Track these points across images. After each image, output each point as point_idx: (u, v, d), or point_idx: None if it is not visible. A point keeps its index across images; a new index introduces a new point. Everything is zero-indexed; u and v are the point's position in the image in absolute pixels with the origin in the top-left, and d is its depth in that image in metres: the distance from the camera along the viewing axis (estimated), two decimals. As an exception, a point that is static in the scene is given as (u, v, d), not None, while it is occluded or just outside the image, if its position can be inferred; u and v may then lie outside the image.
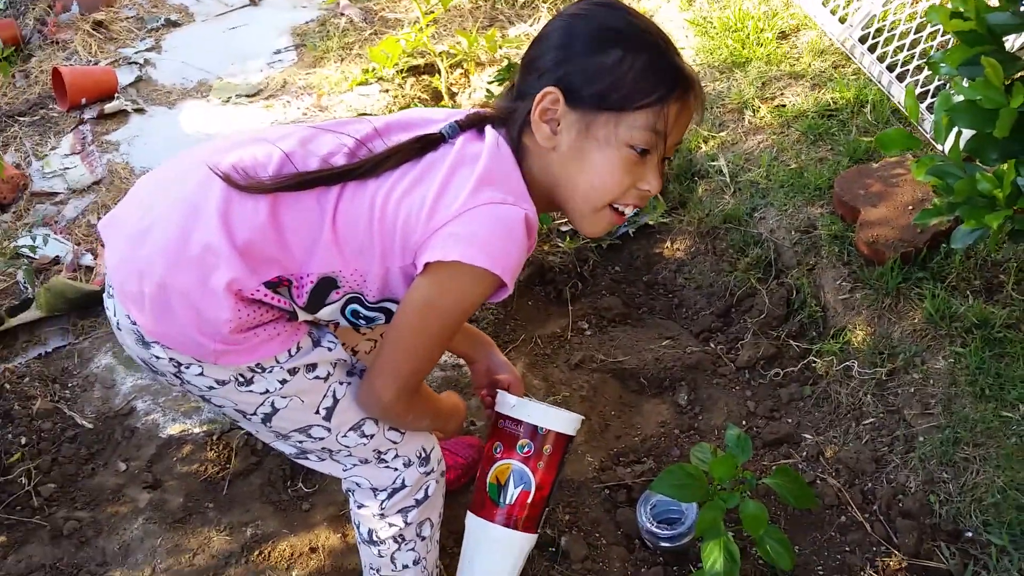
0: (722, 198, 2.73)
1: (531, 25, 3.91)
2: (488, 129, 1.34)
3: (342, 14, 4.22)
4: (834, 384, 2.12)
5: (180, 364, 1.31)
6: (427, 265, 1.24)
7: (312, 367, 1.38)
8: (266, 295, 1.26)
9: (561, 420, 1.60)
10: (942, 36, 2.84)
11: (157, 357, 1.32)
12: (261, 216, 1.24)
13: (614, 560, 1.86)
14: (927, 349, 2.02)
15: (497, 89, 2.70)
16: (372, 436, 1.46)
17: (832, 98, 2.84)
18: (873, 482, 1.89)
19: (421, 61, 3.72)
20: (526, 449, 1.58)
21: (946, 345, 2.00)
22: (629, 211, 1.37)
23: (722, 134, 2.92)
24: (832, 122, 2.76)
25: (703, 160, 2.89)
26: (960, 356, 1.96)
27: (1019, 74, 1.27)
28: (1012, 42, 2.32)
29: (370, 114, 2.69)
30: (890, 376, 2.04)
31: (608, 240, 2.80)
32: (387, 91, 3.58)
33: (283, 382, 1.34)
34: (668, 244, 2.78)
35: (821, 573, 1.80)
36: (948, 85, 2.53)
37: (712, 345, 2.41)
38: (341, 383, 1.42)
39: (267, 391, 1.35)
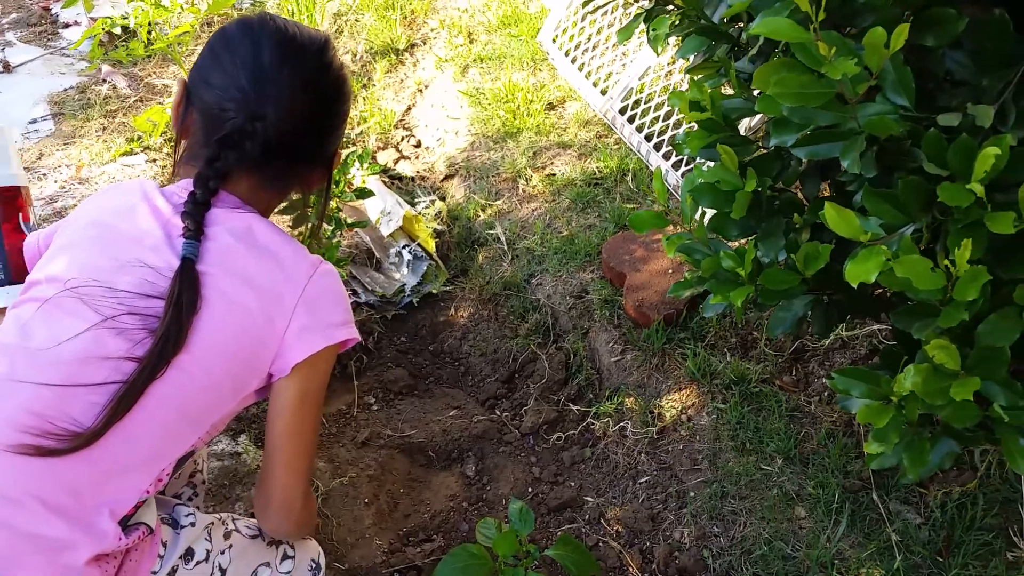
0: (501, 265, 2.80)
1: (306, 93, 3.87)
2: (220, 212, 1.22)
3: (105, 81, 3.99)
4: (612, 445, 2.20)
5: None
6: (295, 365, 1.20)
7: (189, 555, 1.25)
8: (127, 542, 1.13)
9: None
10: (692, 109, 3.08)
11: None
12: (81, 472, 1.07)
13: (406, 646, 1.81)
14: (692, 406, 2.15)
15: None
16: None
17: (597, 167, 3.00)
18: (651, 540, 1.97)
19: (191, 129, 3.58)
20: None
21: (709, 401, 2.13)
22: None
23: (498, 202, 3.00)
24: (598, 190, 2.91)
25: (482, 228, 2.95)
26: (721, 412, 2.09)
27: (755, 154, 1.39)
28: (745, 124, 2.55)
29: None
30: (661, 434, 2.14)
31: (393, 311, 2.78)
32: (154, 160, 3.41)
33: None
34: (452, 312, 2.80)
35: (609, 635, 1.84)
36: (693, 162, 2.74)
37: (498, 412, 2.44)
38: (223, 551, 1.31)
39: None
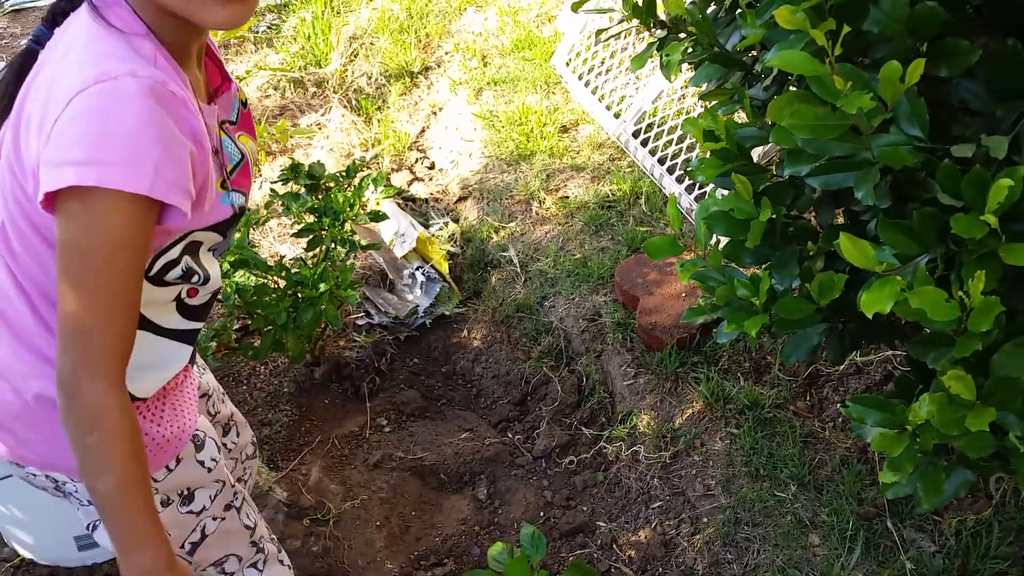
0: (514, 287, 2.81)
1: (322, 115, 3.91)
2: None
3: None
4: (624, 469, 2.20)
5: (57, 481, 1.22)
6: (51, 205, 0.96)
7: (188, 499, 1.28)
8: None
9: None
10: (705, 133, 3.09)
11: (34, 475, 1.22)
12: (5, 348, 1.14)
13: (418, 671, 1.81)
14: (705, 431, 2.14)
15: (282, 189, 2.64)
16: (232, 574, 1.40)
17: (610, 190, 3.01)
18: (664, 567, 1.96)
19: (207, 150, 3.61)
20: None
21: (722, 427, 2.12)
22: None
23: (511, 225, 3.01)
24: (611, 213, 2.92)
25: (495, 250, 2.96)
26: (735, 437, 2.08)
27: (769, 182, 1.40)
28: (759, 151, 2.56)
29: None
30: (674, 459, 2.14)
31: (406, 332, 2.79)
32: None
33: None
34: (465, 334, 2.81)
35: (621, 662, 1.83)
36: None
37: (510, 435, 2.44)
38: (215, 518, 1.33)
39: None
